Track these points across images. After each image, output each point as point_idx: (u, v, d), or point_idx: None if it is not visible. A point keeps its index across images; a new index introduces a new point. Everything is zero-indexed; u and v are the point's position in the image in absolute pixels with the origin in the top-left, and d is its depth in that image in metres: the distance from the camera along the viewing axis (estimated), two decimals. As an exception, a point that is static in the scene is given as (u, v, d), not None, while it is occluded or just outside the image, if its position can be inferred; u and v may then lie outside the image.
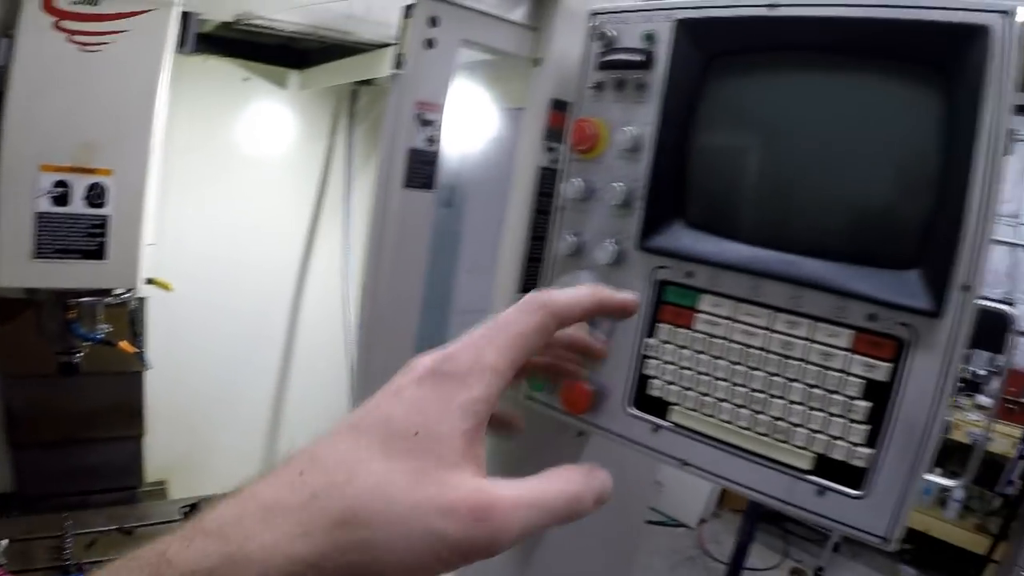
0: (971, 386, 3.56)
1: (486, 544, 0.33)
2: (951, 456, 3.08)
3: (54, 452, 1.69)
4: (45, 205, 1.09)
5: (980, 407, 3.40)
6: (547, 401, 0.97)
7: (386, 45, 1.47)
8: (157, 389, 1.73)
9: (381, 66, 1.48)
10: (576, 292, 0.43)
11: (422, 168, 0.98)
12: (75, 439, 1.68)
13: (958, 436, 3.20)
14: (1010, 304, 3.64)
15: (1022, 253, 3.82)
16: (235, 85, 1.78)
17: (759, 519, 2.89)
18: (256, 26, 1.45)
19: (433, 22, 0.95)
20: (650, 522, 3.68)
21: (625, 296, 0.47)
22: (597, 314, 0.45)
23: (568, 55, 0.99)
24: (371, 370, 0.95)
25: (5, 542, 1.39)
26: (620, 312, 0.47)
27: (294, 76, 1.80)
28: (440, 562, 0.32)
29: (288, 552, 0.30)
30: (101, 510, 1.59)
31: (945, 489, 3.50)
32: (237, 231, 1.81)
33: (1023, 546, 2.98)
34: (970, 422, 3.34)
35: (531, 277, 1.01)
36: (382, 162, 0.97)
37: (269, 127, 1.84)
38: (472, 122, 1.63)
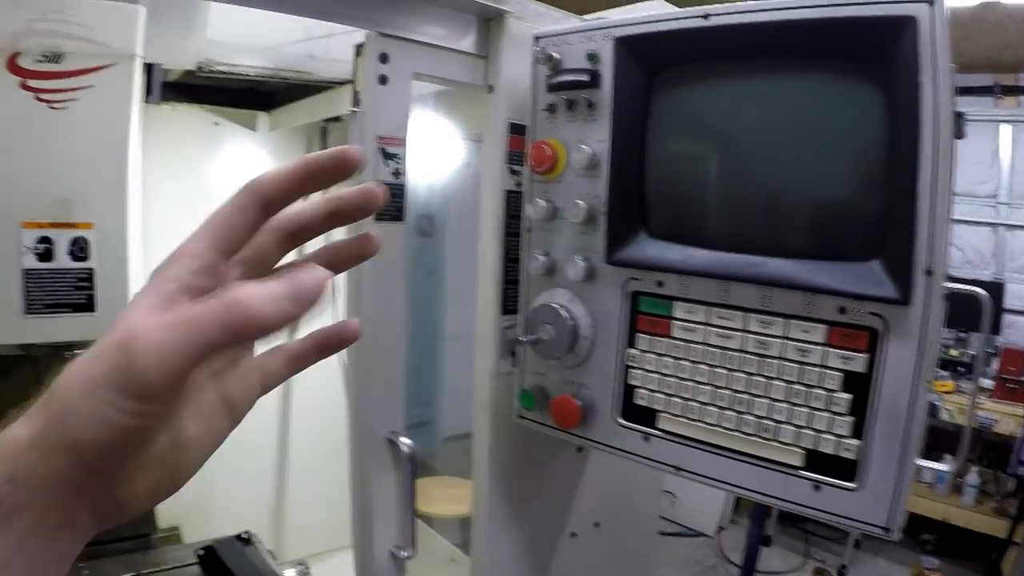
0: (969, 369, 3.55)
1: (126, 366, 0.32)
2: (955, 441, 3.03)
3: None
4: (31, 261, 1.10)
5: (982, 389, 3.38)
6: (539, 418, 0.98)
7: (347, 82, 1.50)
8: None
9: (344, 102, 1.50)
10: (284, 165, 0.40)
11: (391, 201, 0.99)
12: None
13: (961, 420, 3.18)
14: (998, 284, 3.70)
15: (1005, 232, 3.84)
16: (207, 130, 1.79)
17: (777, 521, 2.86)
18: (220, 72, 1.47)
19: (383, 58, 0.95)
20: (667, 533, 3.65)
21: (337, 151, 0.39)
22: (310, 182, 0.39)
23: (519, 80, 1.00)
24: (363, 400, 0.95)
25: None
26: (334, 174, 0.39)
27: (263, 118, 1.83)
28: (108, 405, 0.33)
29: (13, 436, 0.34)
30: (117, 558, 1.57)
31: (960, 475, 3.48)
32: None
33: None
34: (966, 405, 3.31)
35: (511, 298, 1.02)
36: None
37: (243, 168, 1.84)
38: (438, 152, 1.65)
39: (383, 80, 0.95)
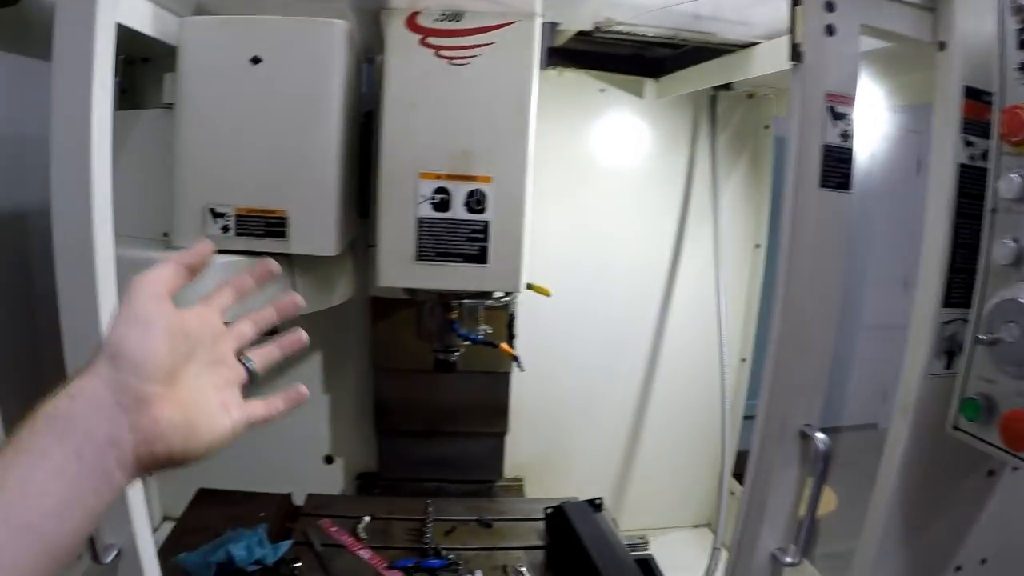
0: None
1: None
2: None
3: (417, 441, 1.82)
4: (426, 211, 1.16)
5: None
6: (980, 433, 0.82)
7: (749, 45, 1.40)
8: (520, 390, 1.80)
9: (746, 68, 1.41)
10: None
11: (836, 166, 0.88)
12: (439, 431, 1.80)
13: None
14: None
15: None
16: (592, 96, 1.79)
17: None
18: (614, 34, 1.44)
19: (829, 7, 0.85)
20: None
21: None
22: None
23: (977, 35, 0.85)
24: (783, 383, 0.86)
25: (367, 519, 1.52)
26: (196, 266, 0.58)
27: (650, 85, 1.79)
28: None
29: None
30: (460, 500, 1.67)
31: None
32: (599, 240, 1.82)
33: None
34: None
35: (958, 289, 0.86)
36: (792, 161, 0.88)
37: (627, 136, 1.83)
38: (863, 120, 1.47)
39: (830, 30, 0.84)
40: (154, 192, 1.26)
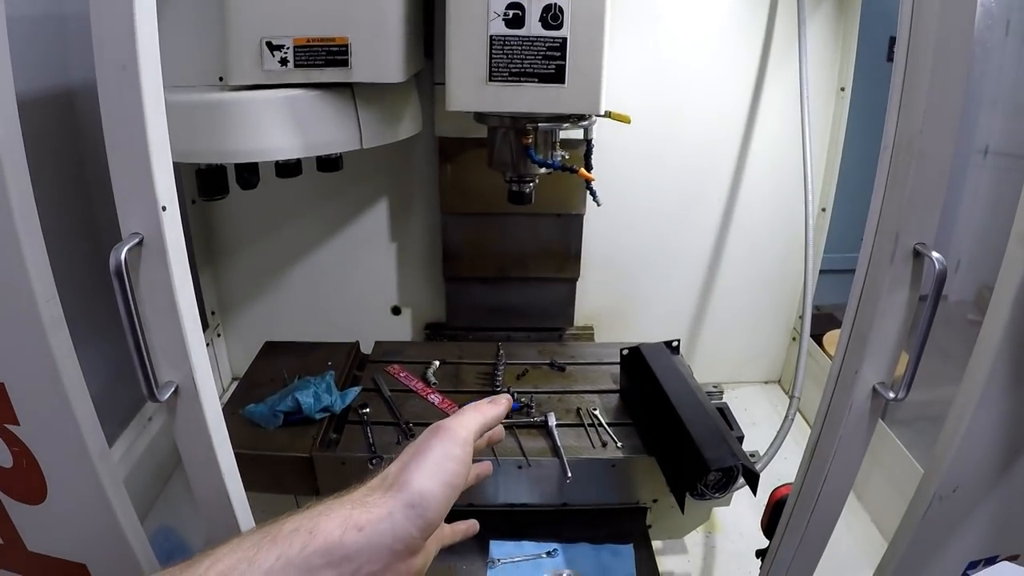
0: None
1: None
2: None
3: (486, 288, 1.78)
4: (498, 28, 1.05)
5: None
6: None
7: None
8: (590, 235, 1.73)
9: None
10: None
11: None
12: (509, 278, 1.75)
13: None
14: None
15: None
16: None
17: None
18: None
19: None
20: None
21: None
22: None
23: None
24: (896, 194, 0.73)
25: (437, 363, 1.51)
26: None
27: None
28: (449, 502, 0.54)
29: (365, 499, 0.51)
30: (532, 344, 1.65)
31: None
32: (674, 80, 1.68)
33: None
34: None
35: None
36: None
37: None
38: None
39: None
40: (209, 39, 1.20)
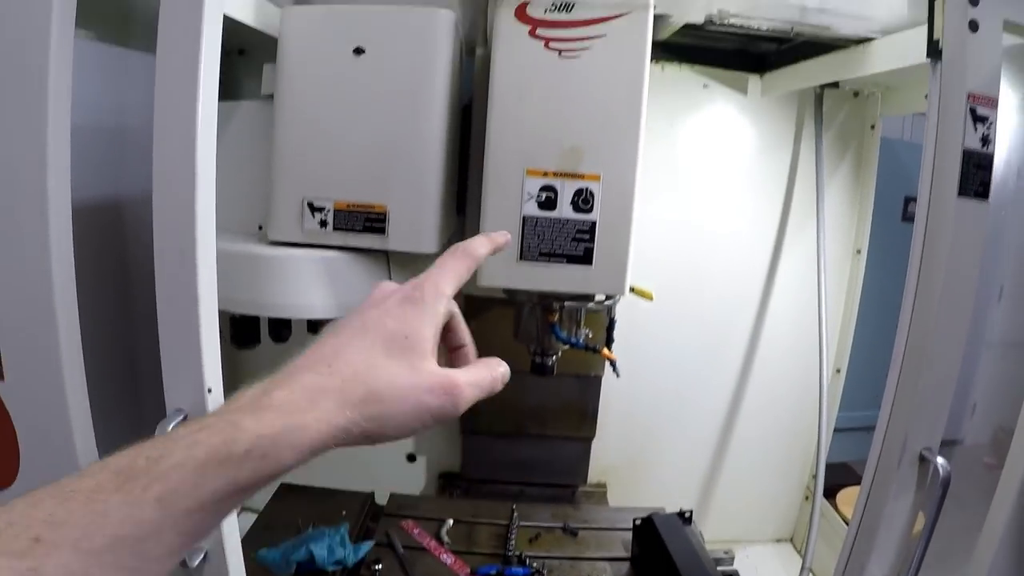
0: None
1: (452, 410, 0.50)
2: None
3: (502, 442, 1.78)
4: (532, 209, 1.11)
5: None
6: None
7: (863, 41, 1.30)
8: (608, 392, 1.75)
9: (860, 64, 1.31)
10: (480, 240, 0.61)
11: (976, 173, 0.79)
12: (525, 433, 1.75)
13: None
14: None
15: None
16: (695, 92, 1.72)
17: None
18: (722, 27, 1.36)
19: (973, 1, 0.76)
20: None
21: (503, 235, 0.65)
22: (490, 254, 0.62)
23: None
24: (903, 406, 0.78)
25: (451, 522, 1.49)
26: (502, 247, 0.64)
27: (754, 81, 1.71)
28: (423, 424, 0.49)
29: (330, 421, 0.44)
30: (546, 505, 1.63)
31: None
32: (697, 240, 1.76)
33: None
34: None
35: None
36: (928, 166, 0.80)
37: (728, 134, 1.75)
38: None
39: (973, 26, 0.76)
40: (249, 185, 1.24)
